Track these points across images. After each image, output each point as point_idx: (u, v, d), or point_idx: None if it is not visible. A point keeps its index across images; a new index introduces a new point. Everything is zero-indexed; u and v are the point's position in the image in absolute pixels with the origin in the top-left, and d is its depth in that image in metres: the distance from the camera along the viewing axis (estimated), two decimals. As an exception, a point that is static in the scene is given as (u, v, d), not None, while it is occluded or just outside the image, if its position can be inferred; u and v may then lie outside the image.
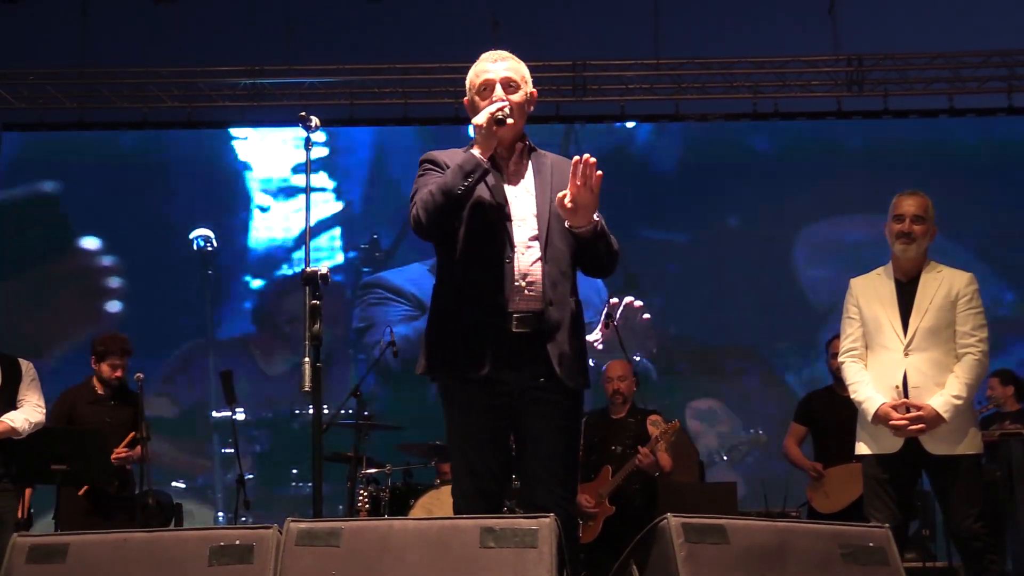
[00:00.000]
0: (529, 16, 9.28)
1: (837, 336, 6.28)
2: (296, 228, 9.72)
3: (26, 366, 5.40)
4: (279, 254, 9.78)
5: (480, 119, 3.26)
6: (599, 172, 3.18)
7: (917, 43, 9.14)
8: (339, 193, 9.83)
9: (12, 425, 5.16)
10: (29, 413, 5.24)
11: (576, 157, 3.19)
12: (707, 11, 9.60)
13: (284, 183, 9.85)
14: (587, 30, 9.56)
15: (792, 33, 9.39)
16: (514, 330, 3.25)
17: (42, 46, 9.36)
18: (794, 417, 6.43)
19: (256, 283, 9.82)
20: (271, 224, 9.81)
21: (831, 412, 6.08)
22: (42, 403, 5.37)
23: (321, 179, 9.74)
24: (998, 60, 9.09)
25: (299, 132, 3.51)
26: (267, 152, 9.84)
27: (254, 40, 9.36)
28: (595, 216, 3.27)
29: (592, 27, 9.53)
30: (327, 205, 9.75)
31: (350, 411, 7.12)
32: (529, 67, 3.51)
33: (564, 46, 9.18)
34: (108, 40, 9.25)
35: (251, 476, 8.09)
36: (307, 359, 3.24)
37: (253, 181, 9.86)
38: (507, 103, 3.29)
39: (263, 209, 9.82)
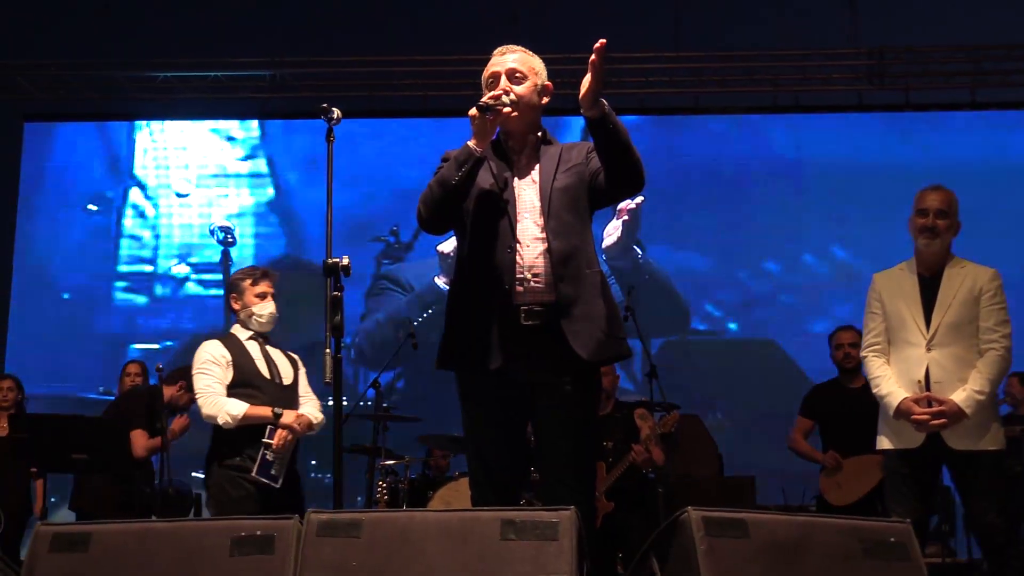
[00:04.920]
0: (548, 8, 9.25)
1: (841, 328, 6.28)
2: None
3: (299, 359, 4.98)
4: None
5: (473, 109, 3.27)
6: (597, 44, 3.26)
7: (939, 36, 9.06)
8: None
9: (313, 420, 4.77)
10: (318, 408, 4.87)
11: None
12: (727, 3, 9.55)
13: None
14: (607, 22, 9.52)
15: (813, 26, 9.32)
16: (523, 323, 3.25)
17: (63, 37, 9.39)
18: (800, 411, 6.35)
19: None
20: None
21: (837, 405, 6.05)
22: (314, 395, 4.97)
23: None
24: (1021, 53, 9.02)
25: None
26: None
27: (275, 32, 9.37)
28: (600, 102, 3.28)
29: (612, 20, 9.49)
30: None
31: (369, 403, 7.12)
32: (548, 60, 3.53)
33: (583, 39, 9.10)
34: (128, 32, 9.28)
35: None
36: (328, 351, 3.24)
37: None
38: (502, 92, 3.31)
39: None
